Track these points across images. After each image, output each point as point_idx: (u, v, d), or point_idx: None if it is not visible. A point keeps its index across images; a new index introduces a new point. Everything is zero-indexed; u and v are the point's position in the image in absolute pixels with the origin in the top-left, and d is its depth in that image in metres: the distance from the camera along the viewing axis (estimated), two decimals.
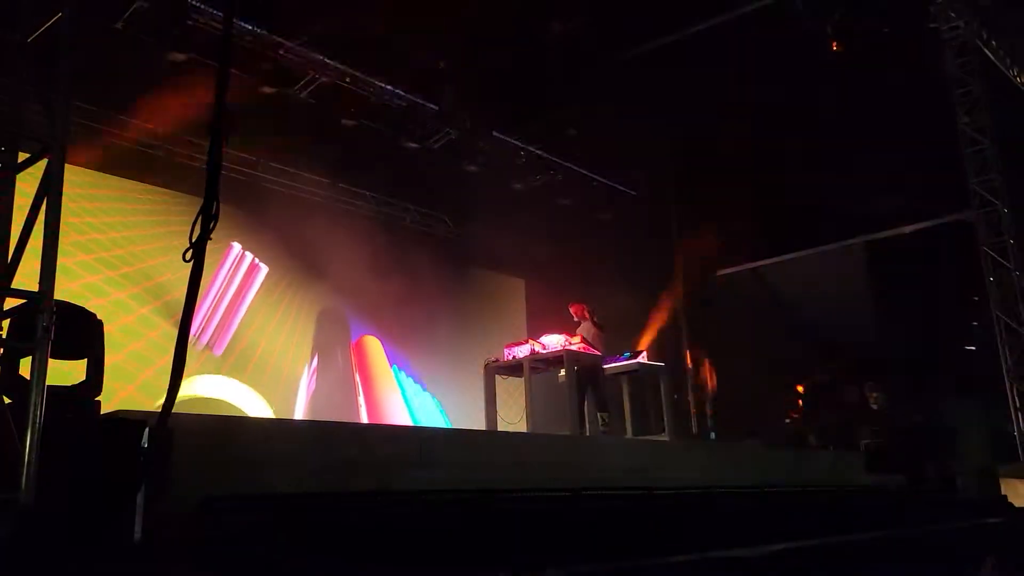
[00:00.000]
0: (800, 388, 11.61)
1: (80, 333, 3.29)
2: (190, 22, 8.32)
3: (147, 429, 2.83)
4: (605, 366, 9.04)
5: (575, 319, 9.03)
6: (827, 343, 11.81)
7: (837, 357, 11.53)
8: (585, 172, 12.70)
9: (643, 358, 9.32)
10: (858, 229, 12.03)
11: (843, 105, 10.99)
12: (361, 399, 11.18)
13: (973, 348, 10.91)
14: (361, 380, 11.31)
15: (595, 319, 8.91)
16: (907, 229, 11.53)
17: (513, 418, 8.71)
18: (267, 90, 9.10)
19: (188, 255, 2.89)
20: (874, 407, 10.47)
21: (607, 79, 10.36)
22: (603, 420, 8.51)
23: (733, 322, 13.24)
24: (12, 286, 2.76)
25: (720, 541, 4.58)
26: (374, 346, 11.59)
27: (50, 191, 2.67)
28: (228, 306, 9.84)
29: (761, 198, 12.55)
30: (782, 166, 12.24)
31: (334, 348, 11.15)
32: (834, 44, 9.91)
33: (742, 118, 11.25)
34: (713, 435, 12.70)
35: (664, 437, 9.13)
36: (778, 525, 5.35)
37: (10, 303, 2.79)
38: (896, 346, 11.14)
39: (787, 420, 12.02)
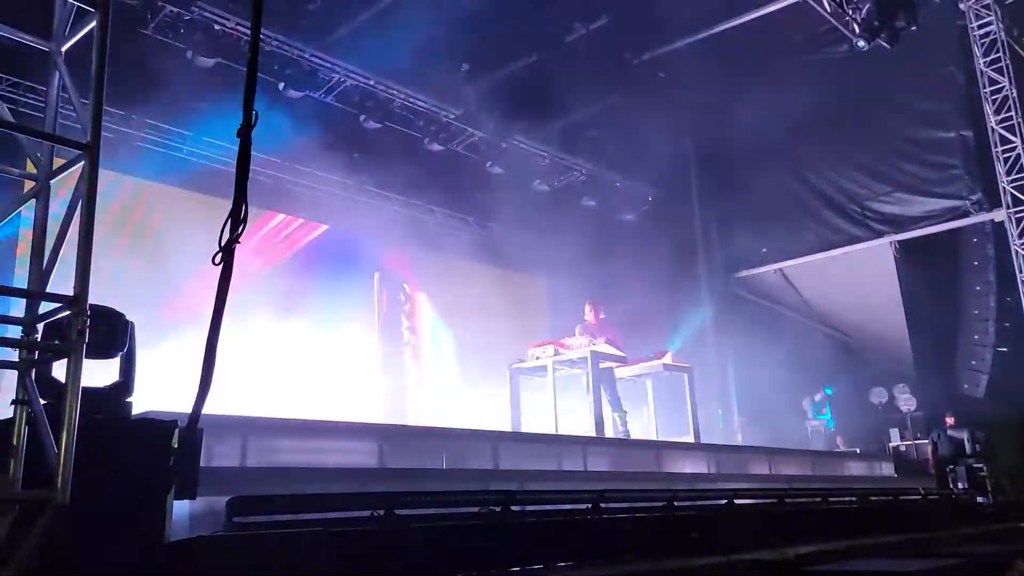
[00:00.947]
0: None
1: (111, 334, 3.35)
2: (217, 27, 8.45)
3: (177, 430, 2.88)
4: (630, 367, 9.02)
5: (585, 319, 9.00)
6: (855, 344, 11.69)
7: (866, 359, 11.40)
8: (608, 173, 12.68)
9: (668, 359, 9.27)
10: (887, 229, 11.88)
11: (871, 104, 10.88)
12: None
13: (1005, 350, 10.73)
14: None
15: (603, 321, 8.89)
16: (937, 229, 11.36)
17: (537, 418, 8.71)
18: (293, 94, 9.20)
19: (217, 258, 2.93)
20: (904, 409, 10.35)
21: (630, 80, 10.35)
22: (621, 420, 8.48)
23: (759, 323, 13.14)
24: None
25: (746, 544, 4.55)
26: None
27: (85, 196, 2.73)
28: None
29: (787, 198, 12.45)
30: (808, 165, 12.14)
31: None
32: (861, 41, 9.80)
33: (768, 117, 11.17)
34: (740, 437, 12.60)
35: (689, 439, 9.08)
36: (804, 528, 5.30)
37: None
38: (927, 347, 10.99)
39: (814, 422, 11.91)
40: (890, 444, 10.01)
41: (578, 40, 9.67)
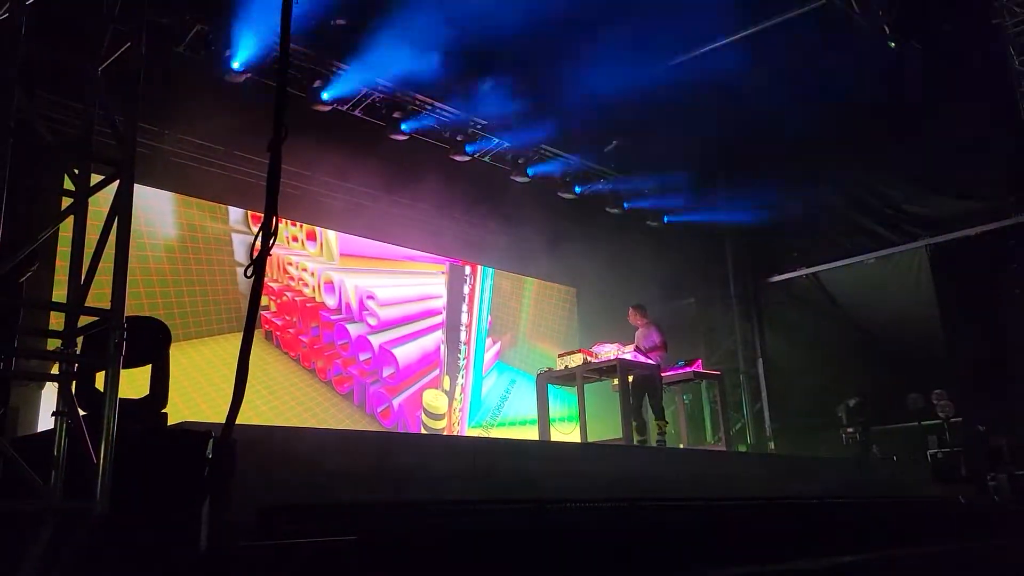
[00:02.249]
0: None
1: (146, 343, 3.41)
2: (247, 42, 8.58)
3: (211, 440, 2.92)
4: (661, 374, 8.97)
5: (632, 325, 9.01)
6: (890, 350, 11.49)
7: (901, 364, 11.19)
8: (636, 179, 12.64)
9: (698, 367, 9.22)
10: (921, 232, 11.69)
11: (904, 104, 10.72)
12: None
13: None
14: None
15: (654, 324, 8.90)
16: (973, 231, 11.15)
17: (566, 428, 8.71)
18: (321, 107, 9.31)
19: (249, 271, 2.98)
20: (941, 416, 10.14)
21: (659, 84, 10.30)
22: (660, 429, 8.46)
23: (791, 329, 12.99)
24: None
25: (780, 553, 4.49)
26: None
27: (120, 211, 2.79)
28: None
29: (818, 201, 12.30)
30: (840, 167, 11.98)
31: None
32: (892, 43, 9.67)
33: (798, 119, 11.06)
34: (772, 445, 12.45)
35: (721, 447, 9.01)
36: (840, 537, 5.22)
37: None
38: (964, 352, 10.77)
39: (849, 429, 11.71)
40: (928, 451, 9.81)
41: (607, 45, 9.66)
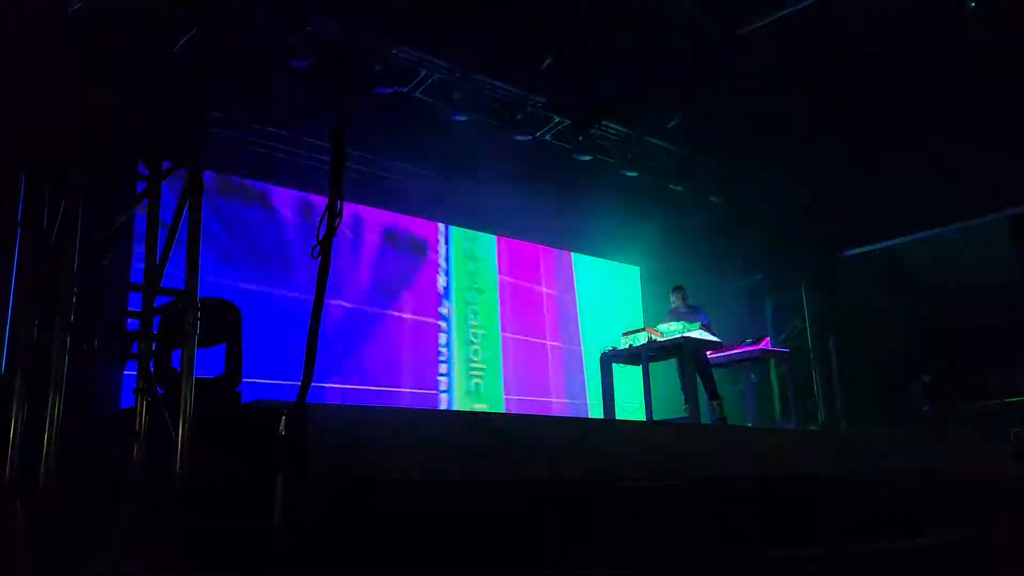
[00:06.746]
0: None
1: (220, 322, 3.52)
2: (310, 28, 8.70)
3: (284, 417, 2.99)
4: (728, 353, 8.86)
5: (672, 305, 8.91)
6: (970, 324, 11.04)
7: (982, 339, 10.75)
8: (699, 155, 12.37)
9: (766, 344, 9.05)
10: (1004, 201, 11.15)
11: (985, 66, 10.17)
12: None
13: None
14: None
15: (698, 306, 8.79)
16: None
17: (631, 406, 8.68)
18: (383, 90, 9.38)
19: (315, 251, 3.04)
20: None
21: (725, 56, 10.02)
22: (716, 408, 8.38)
23: (863, 305, 12.58)
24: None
25: (853, 534, 4.39)
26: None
27: (191, 196, 2.87)
28: None
29: (893, 171, 11.82)
30: (915, 132, 11.47)
31: None
32: (972, 2, 9.16)
33: (872, 85, 10.60)
34: (844, 423, 12.15)
35: (790, 425, 8.84)
36: (916, 518, 5.07)
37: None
38: None
39: (925, 407, 11.34)
40: (1012, 429, 9.44)
41: (668, 19, 9.44)
